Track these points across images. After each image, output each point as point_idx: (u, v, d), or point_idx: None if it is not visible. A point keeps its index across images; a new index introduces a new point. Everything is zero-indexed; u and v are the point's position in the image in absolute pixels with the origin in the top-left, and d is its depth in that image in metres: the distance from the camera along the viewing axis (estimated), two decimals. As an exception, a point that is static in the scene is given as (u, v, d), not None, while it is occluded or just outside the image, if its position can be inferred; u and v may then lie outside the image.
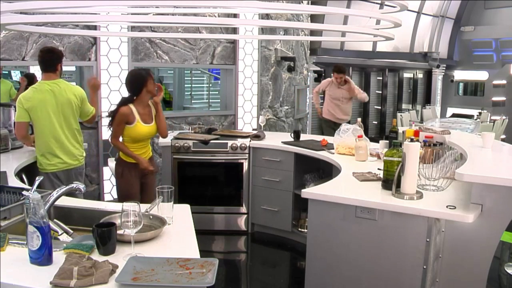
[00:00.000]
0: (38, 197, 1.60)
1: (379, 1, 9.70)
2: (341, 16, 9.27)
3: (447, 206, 2.35)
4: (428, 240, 2.34)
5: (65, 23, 4.38)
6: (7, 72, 6.86)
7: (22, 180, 3.07)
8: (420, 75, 13.66)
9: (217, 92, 9.26)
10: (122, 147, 3.43)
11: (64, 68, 3.97)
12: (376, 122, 12.23)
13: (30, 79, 6.01)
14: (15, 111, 3.94)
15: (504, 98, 12.94)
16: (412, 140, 2.61)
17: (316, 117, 10.71)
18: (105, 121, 5.20)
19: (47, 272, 1.54)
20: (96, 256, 1.69)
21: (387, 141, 3.82)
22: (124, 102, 3.38)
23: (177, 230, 2.05)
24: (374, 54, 11.32)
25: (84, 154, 3.65)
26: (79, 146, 3.54)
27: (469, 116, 11.42)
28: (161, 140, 4.62)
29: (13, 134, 3.90)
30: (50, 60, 3.40)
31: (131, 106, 3.35)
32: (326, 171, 4.17)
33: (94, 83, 3.77)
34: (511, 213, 2.36)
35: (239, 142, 4.48)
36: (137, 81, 3.36)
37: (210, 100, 9.80)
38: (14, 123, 3.72)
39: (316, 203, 2.63)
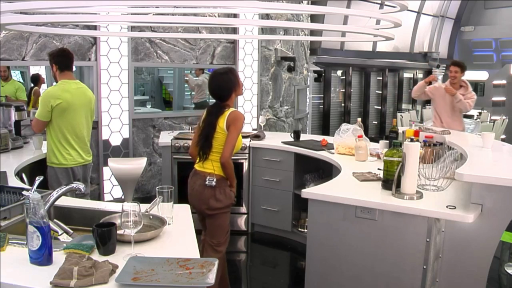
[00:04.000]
0: (38, 197, 1.60)
1: (379, 1, 9.71)
2: (341, 16, 9.27)
3: (447, 206, 2.35)
4: (428, 240, 2.34)
5: (65, 23, 4.38)
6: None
7: (22, 180, 3.07)
8: (420, 75, 13.65)
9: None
10: (233, 167, 2.91)
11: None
12: (376, 122, 12.24)
13: (36, 80, 6.02)
14: (15, 111, 3.96)
15: (504, 98, 12.94)
16: (412, 140, 2.61)
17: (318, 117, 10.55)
18: (106, 120, 5.24)
19: (47, 272, 1.54)
20: (96, 256, 1.69)
21: (387, 141, 3.83)
22: (218, 110, 2.90)
23: (177, 230, 2.05)
24: (374, 54, 11.32)
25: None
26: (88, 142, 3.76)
27: (469, 116, 11.40)
28: (161, 140, 4.62)
29: (13, 134, 3.91)
30: (71, 59, 3.53)
31: None
32: (326, 171, 4.17)
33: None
34: (511, 213, 2.36)
35: (239, 142, 4.47)
36: (227, 86, 2.91)
37: (210, 100, 9.80)
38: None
39: (316, 203, 2.63)
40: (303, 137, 4.66)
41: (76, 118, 3.51)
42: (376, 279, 2.50)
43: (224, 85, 2.91)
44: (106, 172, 5.27)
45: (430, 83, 5.13)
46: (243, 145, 4.42)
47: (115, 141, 5.40)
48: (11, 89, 5.56)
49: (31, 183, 2.66)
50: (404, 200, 2.45)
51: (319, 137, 4.68)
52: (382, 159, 2.87)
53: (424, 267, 2.37)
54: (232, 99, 2.96)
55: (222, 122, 2.85)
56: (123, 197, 4.26)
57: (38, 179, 2.04)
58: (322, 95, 10.63)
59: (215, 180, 2.85)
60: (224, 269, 3.04)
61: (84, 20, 4.01)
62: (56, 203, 2.07)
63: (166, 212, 2.11)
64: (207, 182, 2.84)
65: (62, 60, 3.47)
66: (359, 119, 4.30)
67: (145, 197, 5.61)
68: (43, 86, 6.22)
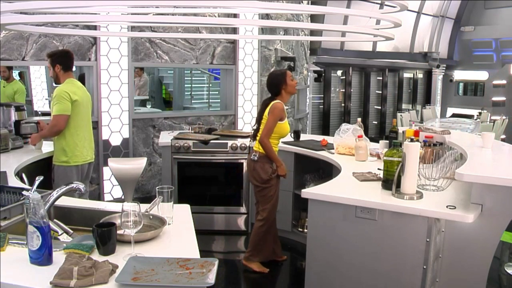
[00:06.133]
0: (38, 197, 1.60)
1: (379, 1, 9.71)
2: (341, 16, 9.27)
3: (447, 206, 2.35)
4: (428, 240, 2.34)
5: (65, 23, 4.38)
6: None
7: (22, 180, 3.07)
8: (420, 75, 13.66)
9: (217, 92, 9.27)
10: (271, 148, 3.51)
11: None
12: (376, 122, 12.24)
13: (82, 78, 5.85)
14: (15, 111, 3.96)
15: (504, 98, 12.94)
16: (412, 140, 2.61)
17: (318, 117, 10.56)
18: (106, 120, 5.24)
19: (47, 272, 1.54)
20: (96, 256, 1.69)
21: (387, 141, 3.83)
22: (267, 101, 3.61)
23: (177, 230, 2.05)
24: (374, 54, 11.32)
25: None
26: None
27: (469, 116, 11.42)
28: (161, 140, 4.62)
29: (13, 134, 3.90)
30: (73, 61, 3.63)
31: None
32: (326, 171, 4.17)
33: None
34: (511, 213, 2.36)
35: (239, 142, 4.48)
36: (275, 82, 3.60)
37: (210, 100, 9.81)
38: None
39: (316, 203, 2.63)
40: (303, 137, 4.66)
41: (86, 116, 3.65)
42: (376, 279, 2.50)
43: (273, 82, 3.62)
44: (106, 172, 5.28)
45: None
46: (243, 145, 4.43)
47: (115, 141, 5.40)
48: (9, 92, 5.46)
49: (31, 183, 2.66)
50: (404, 200, 2.45)
51: (319, 137, 4.68)
52: (382, 159, 2.87)
53: (424, 267, 2.37)
54: (283, 95, 3.60)
55: (267, 111, 3.55)
56: (123, 197, 4.26)
57: (38, 179, 2.04)
58: (322, 95, 10.63)
59: (257, 155, 3.54)
60: (275, 234, 3.80)
61: (84, 20, 4.01)
62: (56, 203, 2.07)
63: (166, 212, 2.11)
64: (252, 157, 3.59)
65: (65, 61, 3.55)
66: (359, 119, 4.30)
67: (145, 197, 5.61)
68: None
